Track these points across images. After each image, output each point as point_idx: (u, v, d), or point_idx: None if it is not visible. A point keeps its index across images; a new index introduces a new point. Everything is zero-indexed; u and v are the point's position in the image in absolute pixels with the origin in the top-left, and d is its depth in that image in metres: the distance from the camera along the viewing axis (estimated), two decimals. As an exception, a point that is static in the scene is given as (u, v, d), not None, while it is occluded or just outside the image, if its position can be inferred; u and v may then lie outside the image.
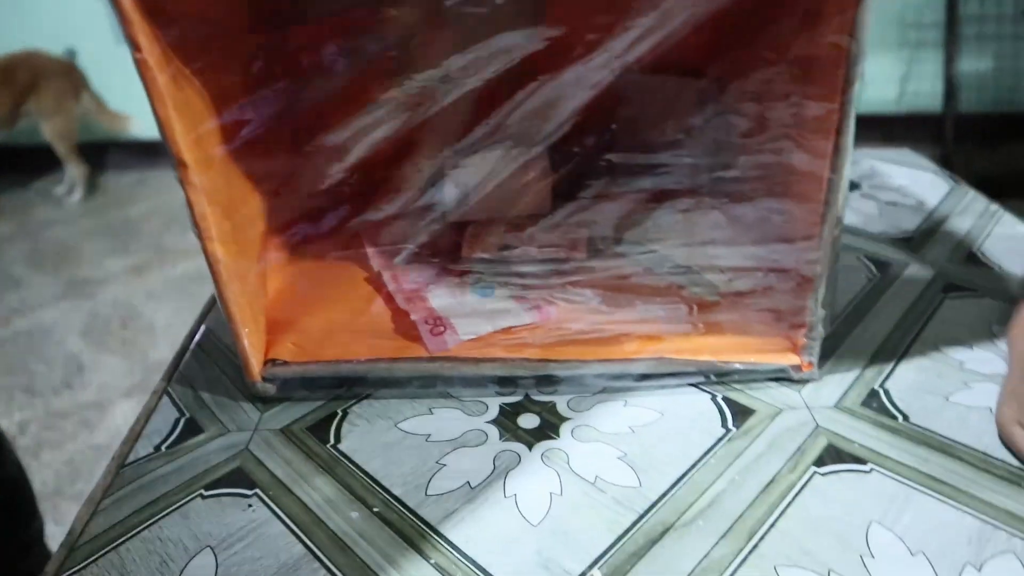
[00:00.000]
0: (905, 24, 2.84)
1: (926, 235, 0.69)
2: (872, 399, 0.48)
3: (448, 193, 0.42)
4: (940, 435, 0.45)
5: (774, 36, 0.40)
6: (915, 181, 0.80)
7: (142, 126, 3.06)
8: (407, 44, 0.40)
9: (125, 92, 3.08)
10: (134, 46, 0.36)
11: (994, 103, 2.89)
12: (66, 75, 2.96)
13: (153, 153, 3.32)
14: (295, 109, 0.42)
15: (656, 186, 0.42)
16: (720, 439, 0.46)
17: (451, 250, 0.46)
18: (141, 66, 0.37)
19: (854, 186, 0.80)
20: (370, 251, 0.46)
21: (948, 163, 2.51)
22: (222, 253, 0.42)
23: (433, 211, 0.42)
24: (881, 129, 2.80)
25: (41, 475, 1.70)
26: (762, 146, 0.42)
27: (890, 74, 2.94)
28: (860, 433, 0.45)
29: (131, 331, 2.24)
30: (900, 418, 0.46)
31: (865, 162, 0.86)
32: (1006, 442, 0.44)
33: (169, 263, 2.60)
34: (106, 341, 2.20)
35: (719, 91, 0.41)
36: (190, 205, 0.40)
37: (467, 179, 0.41)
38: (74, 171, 3.11)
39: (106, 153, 3.40)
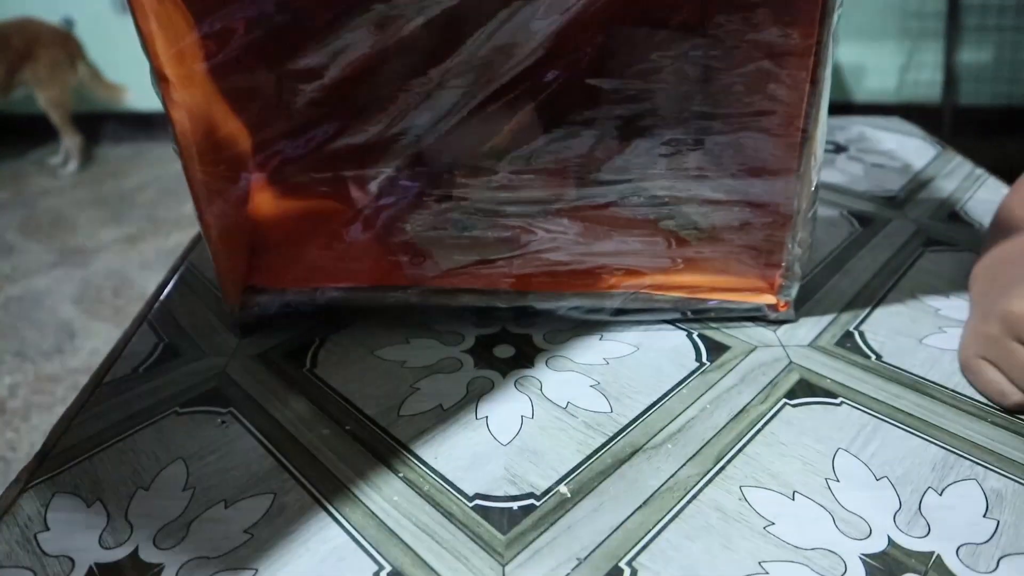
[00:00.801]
0: (907, 13, 2.83)
1: (910, 194, 0.69)
2: (847, 339, 0.49)
3: (422, 118, 0.42)
4: (911, 373, 0.45)
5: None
6: (902, 146, 0.81)
7: (138, 97, 3.05)
8: None
9: (122, 63, 3.06)
10: None
11: (993, 95, 2.89)
12: (62, 44, 2.95)
13: (149, 125, 3.30)
14: (278, 25, 0.42)
15: (634, 114, 0.42)
16: (693, 372, 0.46)
17: (431, 179, 0.46)
18: None
19: (841, 149, 0.80)
20: (349, 178, 0.46)
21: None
22: (202, 172, 0.42)
23: (407, 135, 0.42)
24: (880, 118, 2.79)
25: (31, 437, 1.71)
26: (742, 77, 0.42)
27: (890, 64, 2.93)
28: (833, 370, 0.46)
29: (123, 299, 2.24)
30: (873, 357, 0.47)
31: (855, 128, 0.86)
32: (969, 377, 0.44)
33: (162, 234, 2.60)
34: (98, 309, 2.20)
35: (698, 23, 0.41)
36: (171, 122, 0.40)
37: (442, 104, 0.41)
38: (69, 141, 3.09)
39: (102, 124, 3.38)
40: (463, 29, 0.39)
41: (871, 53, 2.90)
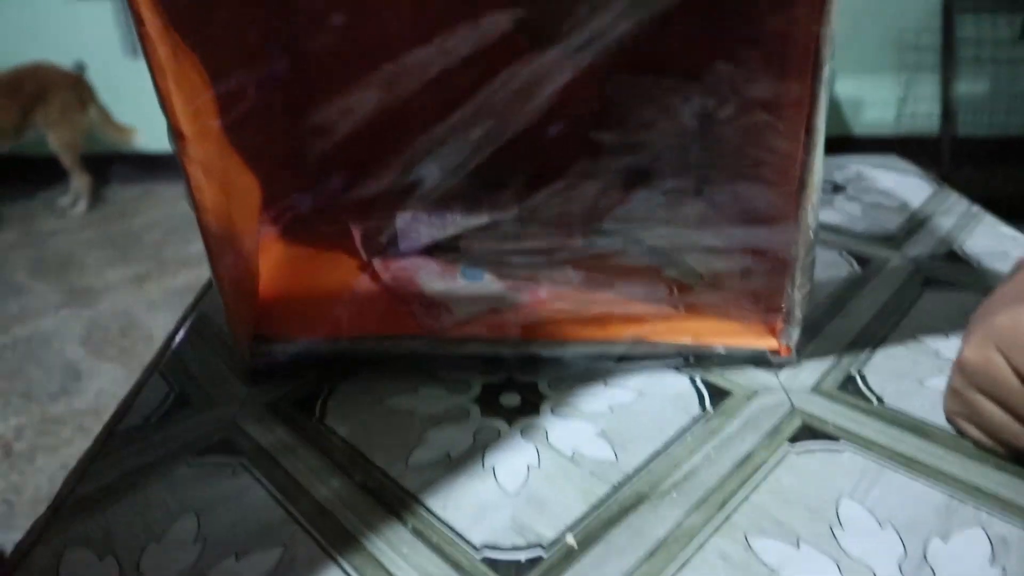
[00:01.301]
0: (902, 47, 2.88)
1: (908, 233, 0.70)
2: (848, 383, 0.49)
3: (430, 172, 0.43)
4: (913, 416, 0.46)
5: (746, 19, 0.41)
6: (900, 184, 0.82)
7: (146, 139, 3.10)
8: (399, 20, 0.41)
9: (131, 105, 3.11)
10: (137, 19, 0.38)
11: (990, 126, 2.92)
12: (73, 87, 3.00)
13: (156, 166, 3.35)
14: (290, 83, 0.44)
15: (636, 165, 0.44)
16: (697, 418, 0.46)
17: (440, 229, 0.47)
18: (144, 39, 0.38)
19: (839, 189, 0.81)
20: (358, 233, 0.47)
21: (946, 184, 2.52)
22: (216, 225, 0.43)
23: (417, 190, 0.44)
24: (878, 150, 2.82)
25: (35, 480, 1.71)
26: (738, 128, 0.44)
27: (888, 96, 2.97)
28: (835, 414, 0.46)
29: (130, 340, 2.25)
30: (875, 401, 0.47)
31: (852, 167, 0.87)
32: (959, 432, 0.44)
33: (169, 274, 2.62)
34: (104, 349, 2.21)
35: (695, 74, 0.43)
36: (187, 177, 0.42)
37: (450, 159, 0.42)
38: (79, 182, 3.14)
39: (111, 165, 3.43)
40: (470, 85, 0.41)
41: (869, 86, 2.94)
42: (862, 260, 0.65)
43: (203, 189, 0.42)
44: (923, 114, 2.95)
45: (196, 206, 0.42)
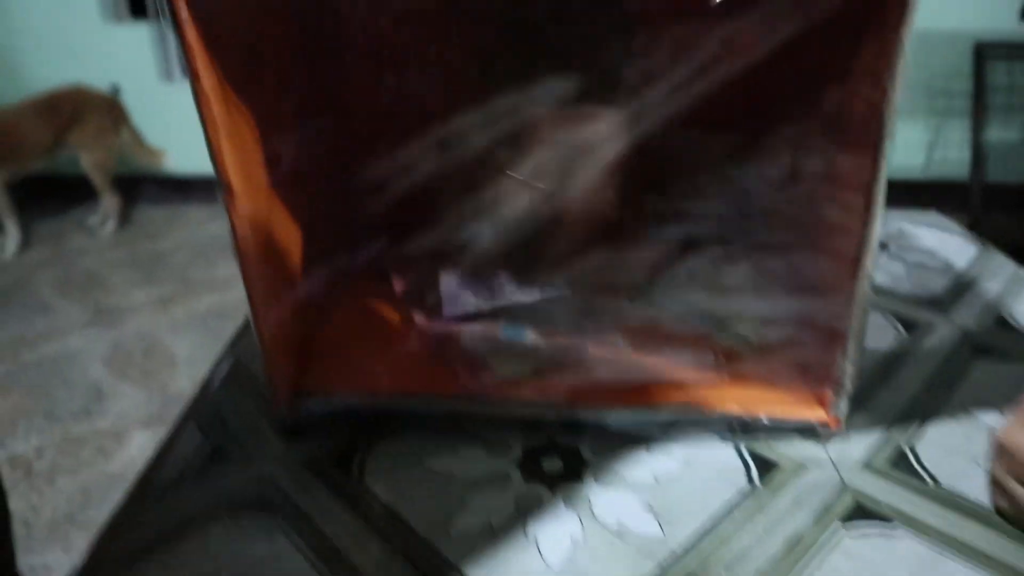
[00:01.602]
0: (933, 92, 2.86)
1: (954, 297, 0.68)
2: (900, 459, 0.48)
3: (479, 233, 0.43)
4: (970, 499, 0.44)
5: (805, 89, 0.40)
6: (943, 243, 0.80)
7: (176, 162, 3.14)
8: (451, 84, 0.41)
9: (163, 128, 3.16)
10: (194, 76, 0.38)
11: (1021, 173, 2.88)
12: (108, 110, 3.06)
13: (184, 188, 3.39)
14: (339, 141, 0.44)
15: (688, 234, 0.43)
16: (745, 492, 0.45)
17: (486, 290, 0.47)
18: (199, 95, 0.38)
19: (882, 246, 0.80)
20: (402, 288, 0.46)
21: (976, 231, 2.49)
22: (260, 278, 0.43)
23: (467, 250, 0.43)
24: (908, 195, 2.79)
25: (54, 501, 1.71)
26: (793, 199, 0.43)
27: (917, 141, 2.95)
28: (888, 493, 0.45)
29: (153, 362, 2.26)
30: (929, 481, 0.46)
31: (893, 223, 0.86)
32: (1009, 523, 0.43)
33: (194, 296, 2.64)
34: (128, 370, 2.22)
35: (752, 143, 0.42)
36: (233, 229, 0.42)
37: (503, 219, 0.42)
38: (109, 202, 3.18)
39: (140, 186, 3.48)
40: (524, 147, 0.40)
41: (899, 130, 2.91)
42: (908, 324, 0.63)
43: (249, 243, 0.42)
44: (953, 160, 2.93)
45: (241, 260, 0.42)
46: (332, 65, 0.48)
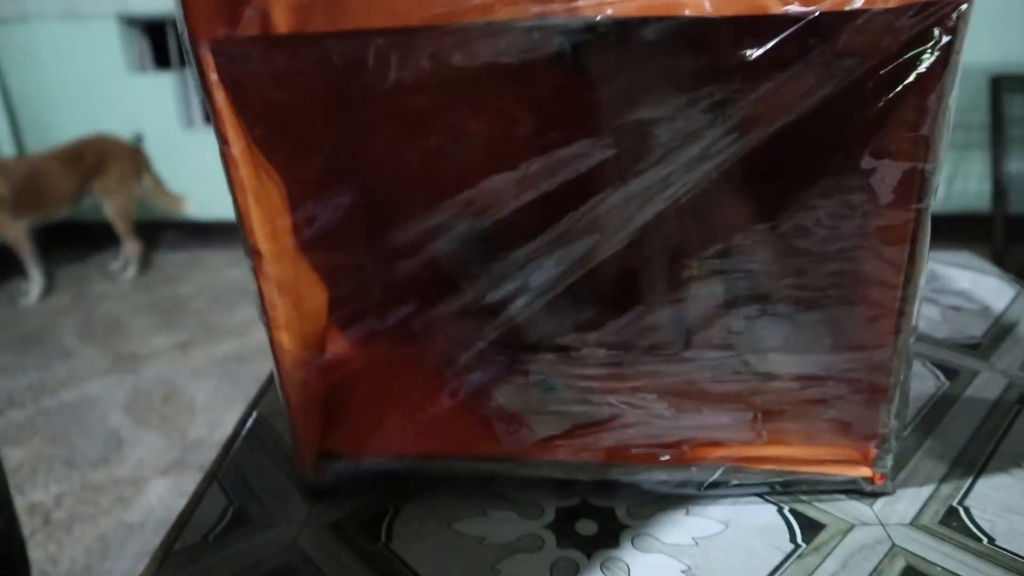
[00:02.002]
0: (951, 125, 2.85)
1: (995, 341, 0.66)
2: (951, 517, 0.45)
3: (512, 296, 0.42)
4: (1030, 561, 0.42)
5: (845, 146, 0.39)
6: (977, 285, 0.78)
7: (196, 208, 3.18)
8: (481, 147, 0.41)
9: (184, 174, 3.22)
10: (223, 140, 0.38)
11: (1043, 204, 2.85)
12: (130, 158, 3.12)
13: (204, 234, 3.44)
14: (367, 205, 0.43)
15: (727, 293, 0.42)
16: (789, 555, 0.43)
17: (518, 355, 0.46)
18: (227, 159, 0.38)
19: (915, 289, 0.78)
20: (432, 349, 0.45)
21: (1000, 263, 2.46)
22: (288, 343, 0.42)
23: (496, 312, 0.42)
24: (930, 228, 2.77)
25: (71, 551, 1.69)
26: (834, 253, 0.42)
27: (936, 174, 2.93)
28: (941, 555, 0.42)
29: (172, 408, 2.26)
30: (985, 540, 0.43)
31: (924, 264, 0.84)
32: None
33: (214, 342, 2.64)
34: (147, 417, 2.22)
35: (789, 198, 0.41)
36: (261, 294, 0.41)
37: (532, 282, 0.41)
38: (130, 248, 3.22)
39: (161, 232, 3.52)
40: (555, 212, 0.40)
41: (916, 164, 2.90)
42: (949, 372, 0.61)
43: (276, 306, 0.41)
44: (973, 192, 2.90)
45: (269, 323, 0.41)
46: (360, 129, 0.48)
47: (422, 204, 0.41)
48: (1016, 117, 2.79)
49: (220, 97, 0.38)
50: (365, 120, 0.48)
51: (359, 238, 0.45)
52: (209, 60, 0.37)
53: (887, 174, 0.40)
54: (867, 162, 0.39)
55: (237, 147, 0.38)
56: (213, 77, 0.37)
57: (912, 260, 0.40)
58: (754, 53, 0.38)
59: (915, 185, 0.39)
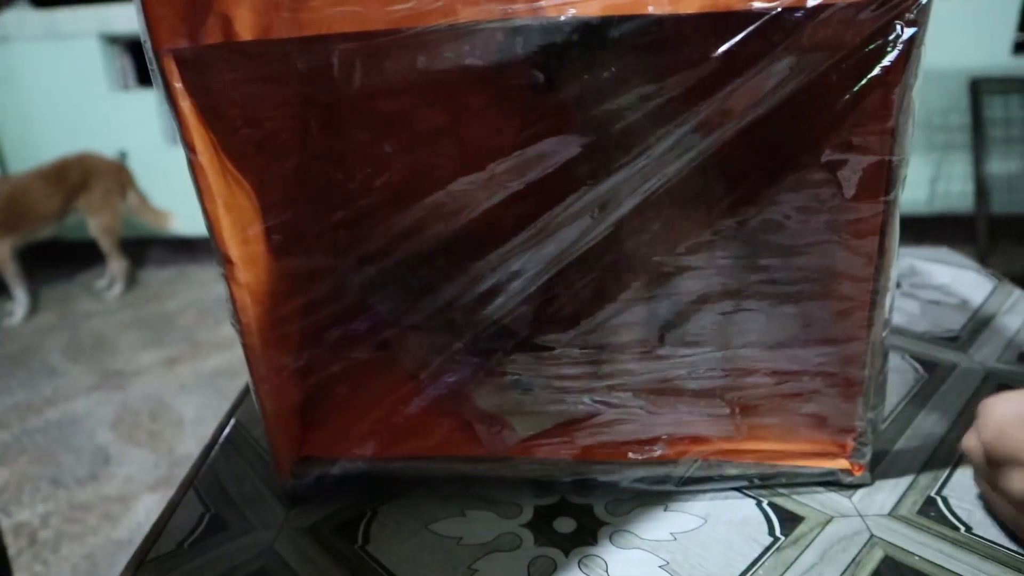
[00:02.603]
0: (932, 127, 2.88)
1: (973, 334, 0.67)
2: (930, 507, 0.45)
3: (488, 299, 0.42)
4: (1007, 548, 0.42)
5: (814, 138, 0.40)
6: (957, 279, 0.79)
7: (182, 223, 3.17)
8: (452, 149, 0.41)
9: (168, 190, 3.21)
10: (189, 148, 0.37)
11: (1025, 204, 2.88)
12: (115, 175, 3.11)
13: (190, 249, 3.42)
14: (337, 210, 0.43)
15: (699, 289, 0.42)
16: (768, 548, 0.43)
17: (492, 356, 0.46)
18: (195, 168, 0.38)
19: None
20: (406, 352, 0.45)
21: (984, 262, 2.48)
22: (261, 349, 0.42)
23: (472, 313, 0.42)
24: (913, 230, 2.79)
25: (58, 570, 1.67)
26: (804, 248, 0.42)
27: (919, 176, 2.96)
28: (919, 545, 0.42)
29: (160, 424, 2.24)
30: (962, 528, 0.43)
31: (904, 260, 0.85)
32: None
33: (201, 357, 2.63)
34: (134, 434, 2.20)
35: (760, 193, 0.41)
36: (233, 301, 0.41)
37: (504, 287, 0.41)
38: (116, 265, 3.20)
39: (147, 249, 3.51)
40: (527, 212, 0.40)
41: (899, 166, 2.92)
42: (927, 364, 0.62)
43: (250, 313, 0.41)
44: (956, 193, 2.93)
45: (242, 330, 0.41)
46: (329, 133, 0.48)
47: (393, 208, 0.41)
48: (996, 118, 2.82)
49: (186, 105, 0.38)
50: (334, 125, 0.48)
51: (331, 243, 0.45)
52: (173, 68, 0.37)
53: (854, 168, 0.40)
54: (834, 156, 0.39)
55: (204, 155, 0.38)
56: (177, 85, 0.37)
57: (882, 252, 0.40)
58: (719, 49, 0.39)
59: (882, 178, 0.39)
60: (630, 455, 0.45)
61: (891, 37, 0.37)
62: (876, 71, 0.38)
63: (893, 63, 0.37)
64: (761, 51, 0.38)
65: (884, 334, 0.42)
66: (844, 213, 0.40)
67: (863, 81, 0.38)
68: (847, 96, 0.39)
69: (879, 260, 0.40)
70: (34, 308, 3.11)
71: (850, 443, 0.46)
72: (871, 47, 0.37)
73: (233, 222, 0.39)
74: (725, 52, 0.38)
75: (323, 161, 0.46)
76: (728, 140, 0.38)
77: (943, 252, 0.87)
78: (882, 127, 0.38)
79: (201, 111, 0.38)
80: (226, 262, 0.39)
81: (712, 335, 0.43)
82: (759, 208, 0.41)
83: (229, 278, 0.40)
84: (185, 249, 3.44)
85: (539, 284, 0.40)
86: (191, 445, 2.08)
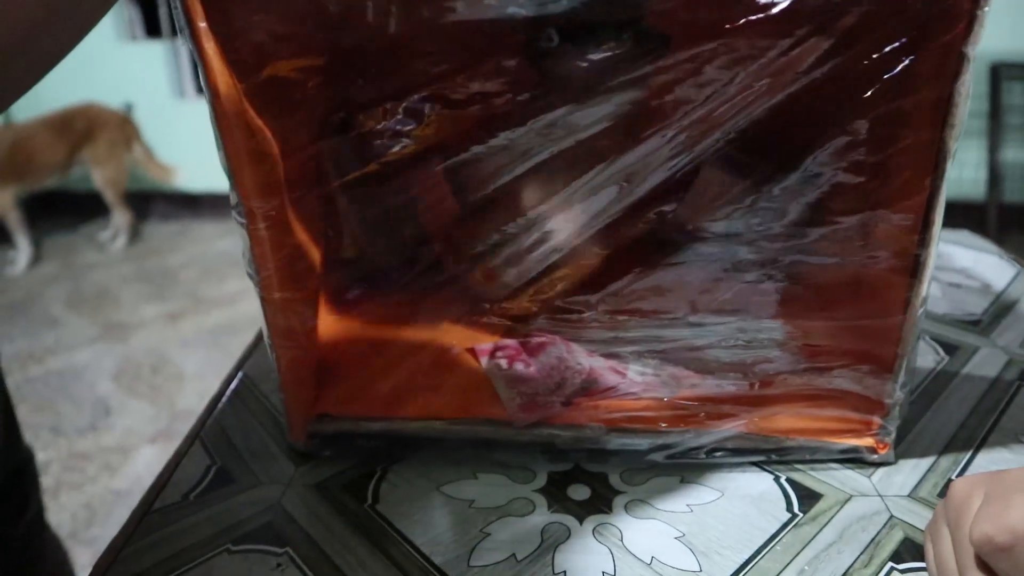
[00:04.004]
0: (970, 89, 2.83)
1: (995, 318, 0.65)
2: (950, 490, 0.44)
3: (512, 260, 0.40)
4: (1030, 535, 0.41)
5: (861, 104, 0.38)
6: (978, 263, 0.77)
7: (187, 178, 3.15)
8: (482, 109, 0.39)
9: (174, 144, 3.17)
10: (213, 93, 0.35)
11: (1038, 193, 2.85)
12: (120, 127, 3.07)
13: (194, 205, 3.40)
14: (360, 162, 0.41)
15: (730, 256, 0.40)
16: (786, 524, 0.42)
17: (517, 318, 0.44)
18: (218, 114, 0.36)
19: (915, 265, 0.77)
20: (431, 313, 0.44)
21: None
22: (279, 302, 0.41)
23: (494, 274, 0.41)
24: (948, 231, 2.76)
25: (58, 517, 1.68)
26: (845, 219, 0.40)
27: (932, 160, 2.91)
28: (940, 527, 0.42)
29: (161, 377, 2.24)
30: (984, 513, 0.42)
31: (924, 242, 0.83)
32: None
33: (203, 312, 2.62)
34: (135, 386, 2.20)
35: (801, 161, 0.40)
36: (253, 252, 0.39)
37: (534, 249, 0.40)
38: (120, 218, 3.18)
39: (151, 203, 3.48)
40: (554, 175, 0.38)
41: (913, 150, 2.89)
42: (948, 347, 0.60)
43: (268, 264, 0.40)
44: (968, 180, 2.89)
45: (261, 282, 0.40)
46: (354, 84, 0.46)
47: (417, 163, 0.40)
48: (1015, 105, 2.77)
49: (210, 47, 0.35)
50: (363, 74, 0.46)
51: (354, 197, 0.43)
52: (198, 7, 0.35)
53: (903, 136, 0.39)
54: (882, 124, 0.37)
55: (228, 101, 0.37)
56: (202, 25, 0.35)
57: (926, 227, 0.39)
58: (776, 7, 0.37)
59: (933, 148, 0.37)
60: (651, 423, 0.44)
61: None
62: (936, 35, 0.36)
63: (955, 27, 0.35)
64: (819, 8, 0.37)
65: (921, 311, 0.40)
66: (889, 184, 0.38)
67: (922, 47, 0.36)
68: (904, 60, 0.37)
69: (922, 234, 0.38)
70: (37, 258, 3.10)
71: (877, 420, 0.45)
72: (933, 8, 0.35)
73: (254, 172, 0.38)
74: (785, 9, 0.36)
75: (349, 112, 0.44)
76: (772, 107, 0.36)
77: (964, 235, 0.85)
78: (936, 95, 0.36)
79: (226, 55, 0.36)
80: (246, 212, 0.38)
81: (743, 305, 0.42)
82: (799, 175, 0.39)
83: (248, 228, 0.38)
84: (189, 205, 3.41)
85: (564, 251, 0.39)
86: (191, 400, 2.08)
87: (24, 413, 2.02)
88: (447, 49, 0.41)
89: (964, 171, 2.91)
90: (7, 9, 0.30)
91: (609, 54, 0.39)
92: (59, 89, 3.21)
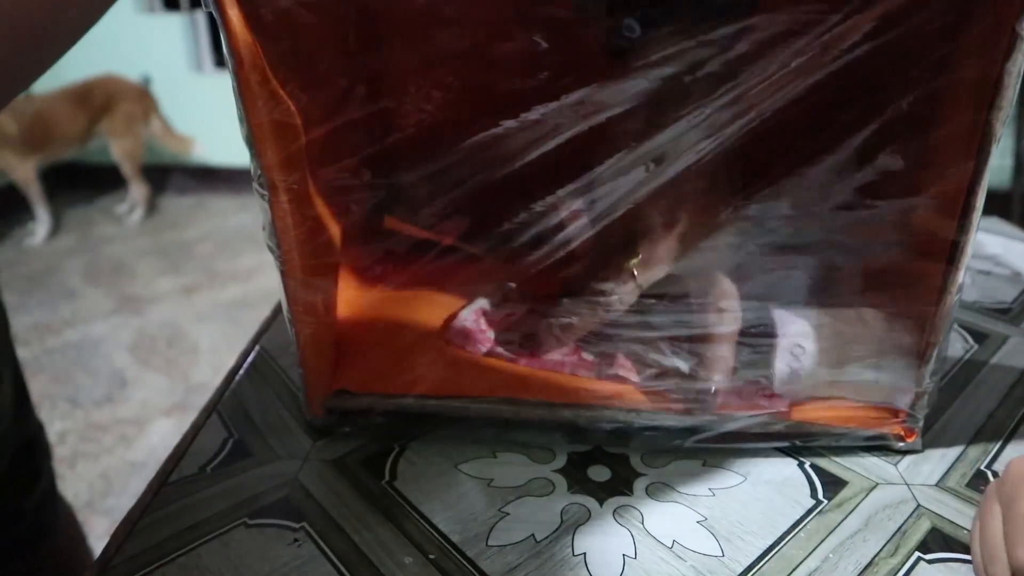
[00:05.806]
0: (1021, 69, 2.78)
1: (1026, 307, 0.64)
2: (979, 480, 0.43)
3: (538, 239, 0.39)
4: (1062, 528, 0.40)
5: (903, 84, 0.37)
6: (1008, 250, 0.76)
7: (204, 151, 3.15)
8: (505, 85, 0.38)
9: (192, 117, 3.18)
10: (236, 61, 0.35)
11: (1065, 182, 2.80)
12: (138, 99, 3.08)
13: (211, 179, 3.40)
14: (381, 138, 0.41)
15: (760, 241, 0.39)
16: (810, 510, 0.41)
17: (543, 300, 0.44)
18: (241, 83, 0.35)
19: (943, 251, 0.75)
20: (456, 289, 0.43)
21: (1017, 240, 2.42)
22: (299, 276, 0.40)
23: (517, 254, 0.40)
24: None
25: (75, 486, 1.70)
26: (881, 203, 0.39)
27: (956, 147, 2.87)
28: (968, 518, 0.41)
29: (176, 351, 2.25)
30: (1014, 505, 0.41)
31: (953, 228, 0.81)
32: None
33: (219, 286, 2.63)
34: (151, 359, 2.22)
35: (837, 141, 0.38)
36: (273, 224, 0.38)
37: (560, 228, 0.39)
38: (137, 191, 3.20)
39: (168, 176, 3.49)
40: (590, 155, 0.37)
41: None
42: (977, 335, 0.59)
43: (289, 236, 0.39)
44: (993, 168, 2.83)
45: (282, 256, 0.39)
46: (376, 57, 0.45)
47: (438, 140, 0.39)
48: (1043, 92, 2.72)
49: (234, 13, 0.34)
50: (387, 46, 0.45)
51: (376, 171, 0.42)
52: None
53: (947, 119, 0.37)
54: (925, 105, 0.36)
55: (252, 70, 0.36)
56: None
57: (966, 212, 0.37)
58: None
59: (978, 130, 0.36)
60: (677, 406, 0.43)
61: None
62: (989, 11, 0.34)
63: (1012, 2, 0.33)
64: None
65: (957, 298, 0.39)
66: (930, 168, 0.37)
67: (974, 24, 0.35)
68: (953, 37, 0.36)
69: (962, 220, 0.37)
70: (55, 230, 3.12)
71: (905, 408, 0.44)
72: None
73: (277, 144, 0.37)
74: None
75: (372, 85, 0.43)
76: (814, 83, 0.35)
77: (994, 222, 0.83)
78: (984, 75, 0.35)
79: (250, 23, 0.35)
80: (268, 184, 0.37)
81: (773, 290, 0.41)
82: (836, 157, 0.38)
83: (270, 200, 0.37)
84: (206, 178, 3.42)
85: (591, 234, 0.38)
86: (207, 373, 2.10)
87: (41, 384, 2.05)
88: (473, 15, 0.40)
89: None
90: None
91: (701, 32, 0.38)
92: (78, 61, 3.21)
